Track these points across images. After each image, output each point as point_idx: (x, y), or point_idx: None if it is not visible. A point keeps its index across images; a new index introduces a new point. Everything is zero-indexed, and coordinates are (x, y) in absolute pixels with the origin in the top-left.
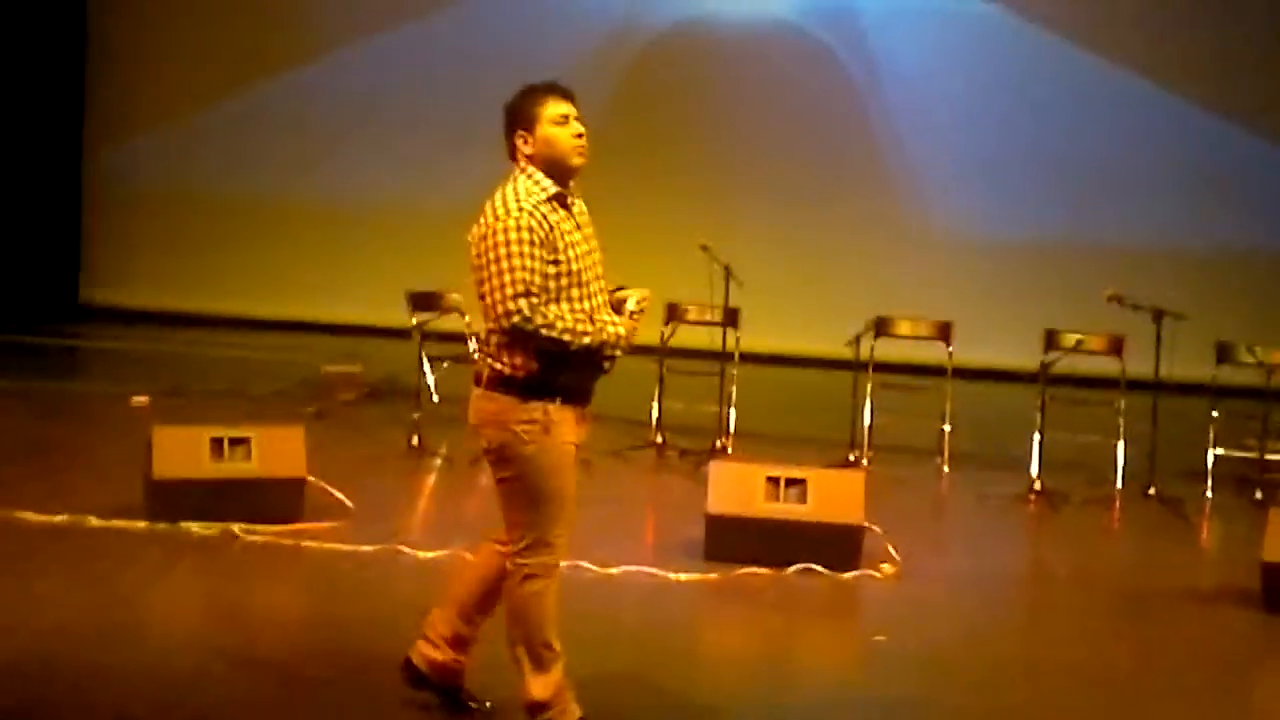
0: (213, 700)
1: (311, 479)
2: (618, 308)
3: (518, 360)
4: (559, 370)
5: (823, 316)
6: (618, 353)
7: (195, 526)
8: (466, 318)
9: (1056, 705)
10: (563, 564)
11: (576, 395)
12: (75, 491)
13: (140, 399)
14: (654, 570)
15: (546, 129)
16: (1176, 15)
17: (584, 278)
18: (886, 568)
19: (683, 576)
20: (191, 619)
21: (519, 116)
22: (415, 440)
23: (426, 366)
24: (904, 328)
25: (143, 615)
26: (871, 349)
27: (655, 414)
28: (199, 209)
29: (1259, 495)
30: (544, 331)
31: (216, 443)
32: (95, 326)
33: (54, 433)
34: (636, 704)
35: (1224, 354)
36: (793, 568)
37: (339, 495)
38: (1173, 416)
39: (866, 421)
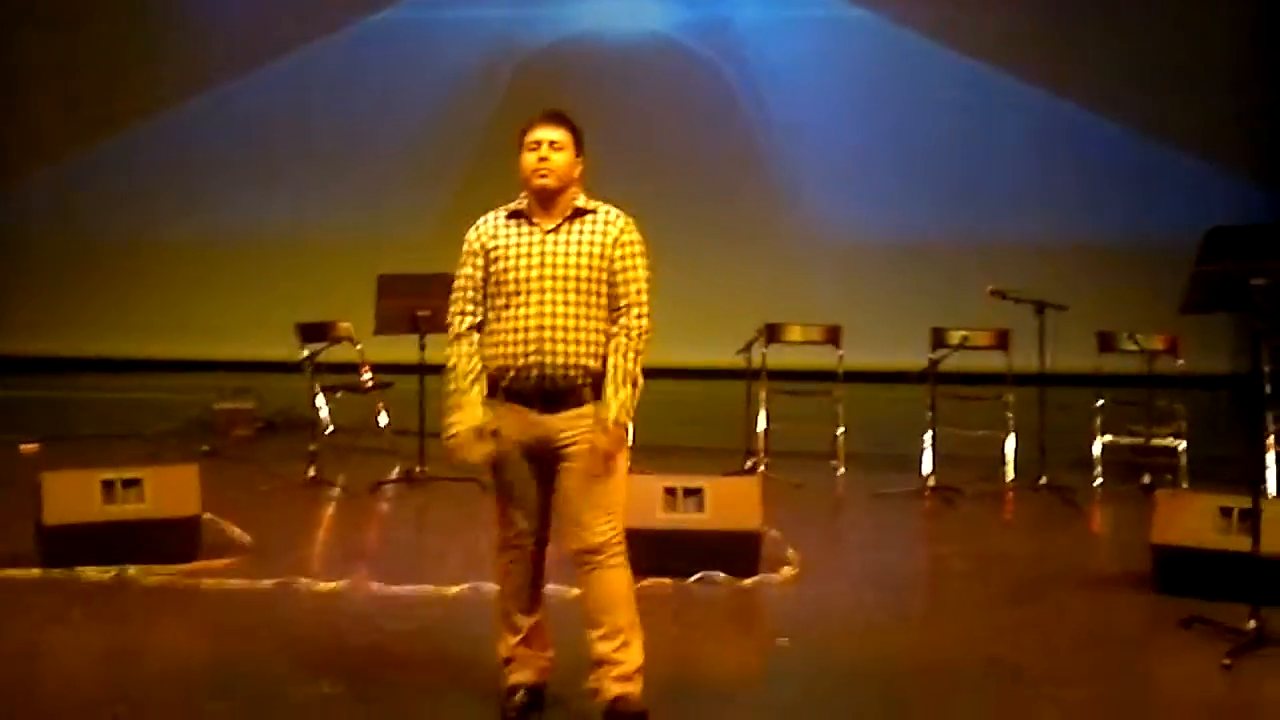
0: None
1: (208, 516)
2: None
3: None
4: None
5: (710, 327)
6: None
7: (90, 571)
8: (358, 346)
9: (960, 696)
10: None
11: (507, 394)
12: None
13: (29, 446)
14: (555, 586)
15: (522, 153)
16: (1045, 17)
17: (514, 288)
18: (786, 571)
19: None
20: (89, 665)
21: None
22: (312, 472)
23: (320, 398)
24: (794, 333)
25: (39, 665)
26: (763, 356)
27: None
28: (80, 250)
29: (1146, 480)
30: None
31: (108, 485)
32: None
33: None
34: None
35: (1106, 343)
36: (693, 577)
37: (236, 532)
38: (1059, 407)
39: (761, 428)
